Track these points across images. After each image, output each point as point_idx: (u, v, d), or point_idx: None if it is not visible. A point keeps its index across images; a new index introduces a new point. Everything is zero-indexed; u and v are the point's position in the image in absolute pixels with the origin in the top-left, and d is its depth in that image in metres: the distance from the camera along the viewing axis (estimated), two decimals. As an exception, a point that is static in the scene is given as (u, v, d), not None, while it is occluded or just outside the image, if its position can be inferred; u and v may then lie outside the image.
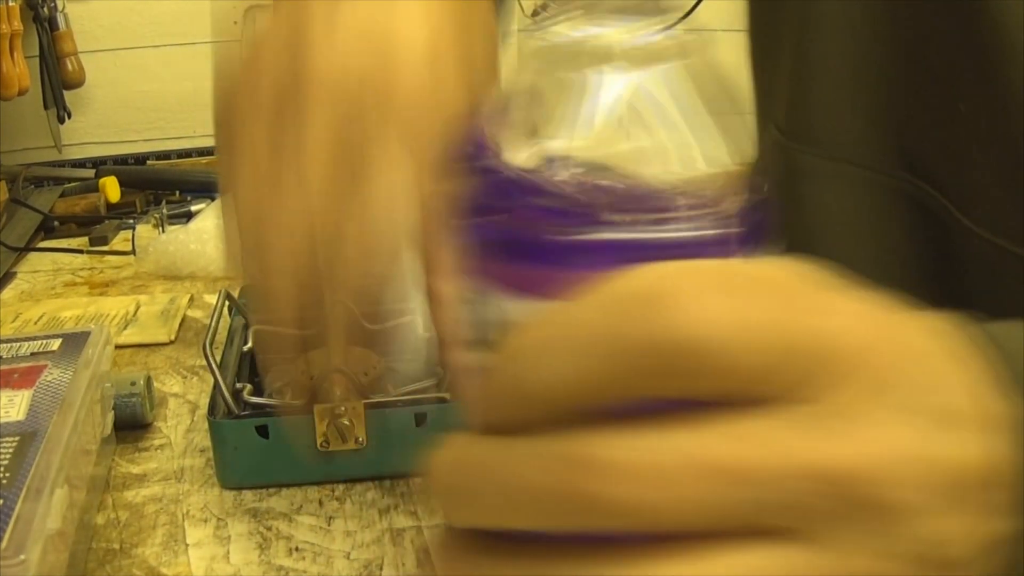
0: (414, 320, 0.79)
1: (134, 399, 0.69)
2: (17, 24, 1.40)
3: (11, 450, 0.50)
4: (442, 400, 0.62)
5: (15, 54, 1.40)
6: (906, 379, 0.21)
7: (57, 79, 1.53)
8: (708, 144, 0.23)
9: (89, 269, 1.12)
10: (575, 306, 0.20)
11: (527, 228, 0.22)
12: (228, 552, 0.56)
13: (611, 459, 0.19)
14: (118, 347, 0.85)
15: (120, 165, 1.57)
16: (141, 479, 0.64)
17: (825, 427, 0.19)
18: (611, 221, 0.21)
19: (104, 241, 1.20)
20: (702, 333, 0.18)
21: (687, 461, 0.19)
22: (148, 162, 1.61)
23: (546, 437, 0.19)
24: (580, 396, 0.19)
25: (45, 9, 1.49)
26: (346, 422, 0.60)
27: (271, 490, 0.62)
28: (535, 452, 0.19)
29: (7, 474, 0.48)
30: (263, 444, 0.60)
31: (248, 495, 0.61)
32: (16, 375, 0.59)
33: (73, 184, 1.42)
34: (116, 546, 0.56)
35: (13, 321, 0.92)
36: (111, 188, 1.37)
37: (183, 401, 0.75)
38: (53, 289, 1.05)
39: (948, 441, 0.20)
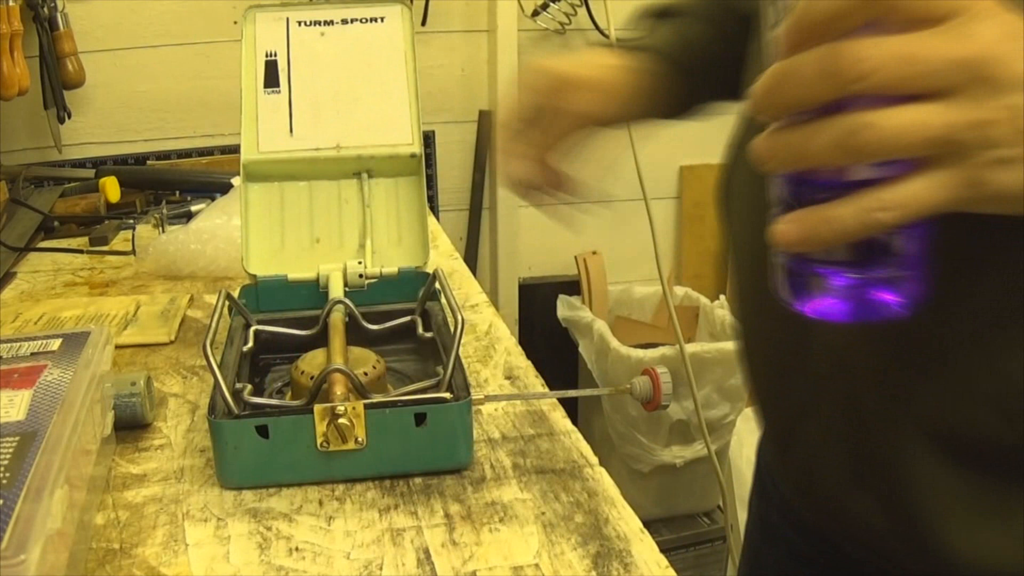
0: (415, 320, 0.79)
1: (134, 399, 0.69)
2: (17, 24, 1.40)
3: (11, 450, 0.50)
4: (442, 400, 0.62)
5: (15, 54, 1.40)
6: (1002, 11, 0.37)
7: (57, 79, 1.53)
8: None
9: (89, 269, 1.13)
10: None
11: None
12: (228, 552, 0.56)
13: (860, 49, 0.36)
14: (118, 347, 0.85)
15: (120, 165, 1.57)
16: (141, 479, 0.64)
17: (960, 33, 0.37)
18: None
19: (104, 241, 1.20)
20: None
21: (895, 51, 0.36)
22: (148, 162, 1.62)
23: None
24: (839, 22, 0.37)
25: (45, 9, 1.49)
26: (346, 422, 0.60)
27: (271, 490, 0.62)
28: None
29: (7, 474, 0.48)
30: (263, 444, 0.60)
31: (248, 495, 0.61)
32: (16, 375, 0.59)
33: (73, 184, 1.42)
34: (116, 546, 0.56)
35: (13, 321, 0.92)
36: (111, 188, 1.37)
37: (183, 401, 0.76)
38: (53, 289, 1.05)
39: None
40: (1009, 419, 0.51)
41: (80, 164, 1.58)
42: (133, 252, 1.13)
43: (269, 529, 0.58)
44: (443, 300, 0.79)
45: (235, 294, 0.80)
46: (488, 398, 0.70)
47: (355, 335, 0.74)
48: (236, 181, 1.17)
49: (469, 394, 0.62)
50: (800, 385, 0.63)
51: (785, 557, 0.76)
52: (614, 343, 1.79)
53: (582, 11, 1.84)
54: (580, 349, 1.91)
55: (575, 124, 0.68)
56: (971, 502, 0.54)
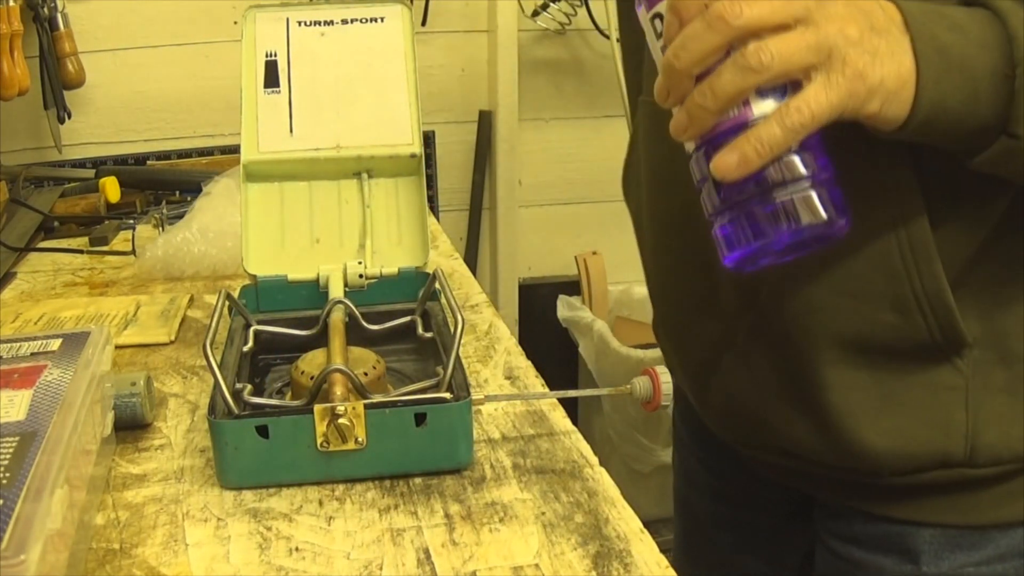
0: (415, 320, 0.79)
1: (134, 399, 0.69)
2: (17, 24, 1.40)
3: (11, 450, 0.50)
4: (442, 400, 0.62)
5: (15, 54, 1.40)
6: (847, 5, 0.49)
7: (57, 79, 1.53)
8: None
9: (89, 269, 1.12)
10: None
11: None
12: (228, 552, 0.56)
13: (723, 4, 0.46)
14: (118, 347, 0.85)
15: (120, 165, 1.57)
16: (141, 479, 0.64)
17: (809, 22, 0.47)
18: None
19: (104, 241, 1.20)
20: None
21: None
22: (148, 162, 1.61)
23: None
24: None
25: (45, 9, 1.49)
26: (346, 422, 0.60)
27: (271, 490, 0.62)
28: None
29: (7, 474, 0.48)
30: (263, 444, 0.60)
31: (248, 495, 0.61)
32: (16, 375, 0.59)
33: (73, 184, 1.42)
34: (116, 546, 0.56)
35: (13, 321, 0.92)
36: (111, 188, 1.37)
37: (183, 401, 0.76)
38: (53, 289, 1.05)
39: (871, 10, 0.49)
40: (904, 314, 0.61)
41: (80, 164, 1.58)
42: (133, 252, 1.13)
43: (269, 529, 0.58)
44: (443, 300, 0.79)
45: (235, 294, 0.80)
46: (488, 398, 0.70)
47: (355, 335, 0.74)
48: (212, 183, 1.17)
49: (469, 394, 0.62)
50: (712, 324, 0.70)
51: (708, 498, 0.89)
52: (614, 343, 1.79)
53: (582, 11, 1.84)
54: (580, 349, 1.91)
55: None
56: (875, 396, 0.64)
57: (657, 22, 0.51)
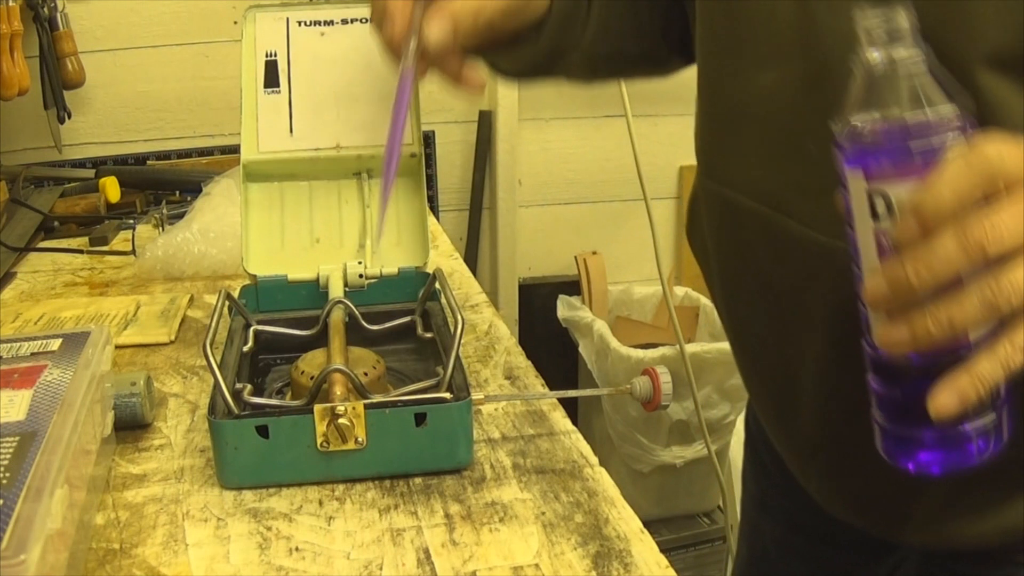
0: (415, 320, 0.79)
1: (134, 399, 0.69)
2: (17, 24, 1.40)
3: (11, 450, 0.50)
4: (442, 400, 0.62)
5: (15, 54, 1.40)
6: None
7: (57, 79, 1.53)
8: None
9: (89, 269, 1.12)
10: (942, 173, 0.43)
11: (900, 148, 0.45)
12: (228, 552, 0.56)
13: (993, 221, 0.42)
14: (118, 347, 0.85)
15: (120, 165, 1.57)
16: (141, 479, 0.64)
17: None
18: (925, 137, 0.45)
19: (104, 241, 1.20)
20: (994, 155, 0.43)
21: (1015, 214, 0.43)
22: (148, 162, 1.62)
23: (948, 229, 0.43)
24: (959, 200, 0.43)
25: (45, 9, 1.49)
26: (346, 422, 0.60)
27: (271, 490, 0.62)
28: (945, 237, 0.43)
29: (7, 474, 0.48)
30: (263, 444, 0.60)
31: (248, 495, 0.61)
32: (16, 375, 0.59)
33: (73, 184, 1.42)
34: (116, 546, 0.56)
35: (13, 321, 0.92)
36: (111, 188, 1.37)
37: (183, 401, 0.76)
38: (53, 289, 1.05)
39: None
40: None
41: (80, 164, 1.58)
42: (133, 252, 1.13)
43: (269, 529, 0.58)
44: (443, 300, 0.79)
45: (235, 294, 0.80)
46: (488, 398, 0.70)
47: (355, 335, 0.74)
48: (212, 184, 1.17)
49: (469, 394, 0.62)
50: (795, 358, 0.66)
51: (783, 527, 0.83)
52: (614, 343, 1.79)
53: (582, 11, 1.84)
54: (580, 349, 1.91)
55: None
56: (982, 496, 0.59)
57: (878, 200, 0.46)
